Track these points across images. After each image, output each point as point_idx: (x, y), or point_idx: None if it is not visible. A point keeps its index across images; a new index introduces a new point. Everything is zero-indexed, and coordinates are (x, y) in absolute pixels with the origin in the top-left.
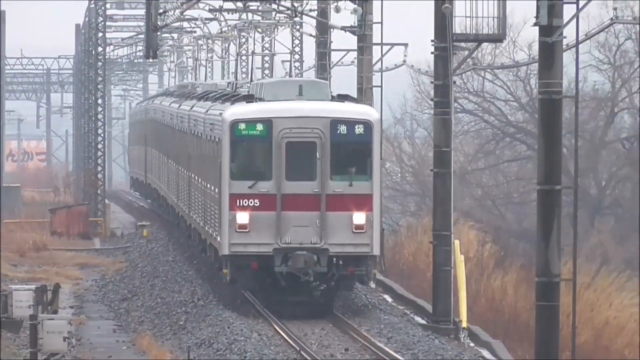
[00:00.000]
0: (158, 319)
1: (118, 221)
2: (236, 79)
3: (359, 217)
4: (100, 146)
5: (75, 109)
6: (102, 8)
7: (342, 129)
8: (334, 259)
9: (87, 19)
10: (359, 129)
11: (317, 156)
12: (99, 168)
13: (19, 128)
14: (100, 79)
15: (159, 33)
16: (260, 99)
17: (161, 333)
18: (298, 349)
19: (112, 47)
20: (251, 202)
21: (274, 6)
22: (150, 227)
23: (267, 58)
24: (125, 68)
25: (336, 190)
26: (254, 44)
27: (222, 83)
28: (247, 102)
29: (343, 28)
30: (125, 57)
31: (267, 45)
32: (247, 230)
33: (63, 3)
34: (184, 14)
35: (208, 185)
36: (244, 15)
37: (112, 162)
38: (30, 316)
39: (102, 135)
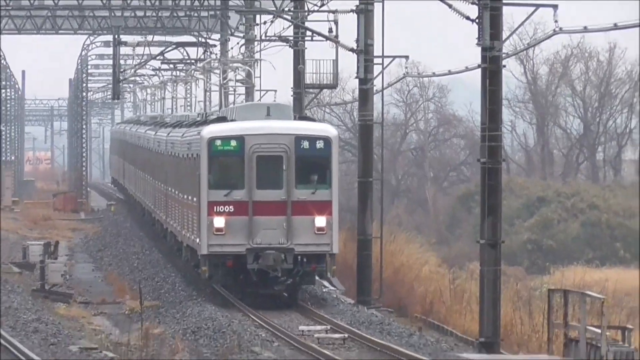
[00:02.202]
0: (120, 262)
1: (95, 202)
2: (205, 110)
3: (320, 221)
4: (84, 155)
5: (69, 131)
6: (86, 69)
7: (305, 144)
8: (299, 257)
9: (76, 75)
10: (320, 144)
11: (284, 168)
12: (84, 169)
13: (33, 143)
14: (84, 113)
15: (120, 83)
16: (233, 120)
17: (123, 272)
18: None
19: (91, 92)
20: (226, 209)
21: (193, 66)
22: (115, 205)
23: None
24: (100, 105)
25: (300, 198)
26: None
27: (193, 114)
28: (221, 123)
29: (236, 81)
30: (100, 98)
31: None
32: (223, 233)
33: (61, 62)
34: (137, 72)
35: (186, 196)
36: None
37: (92, 165)
38: (40, 261)
39: (85, 148)
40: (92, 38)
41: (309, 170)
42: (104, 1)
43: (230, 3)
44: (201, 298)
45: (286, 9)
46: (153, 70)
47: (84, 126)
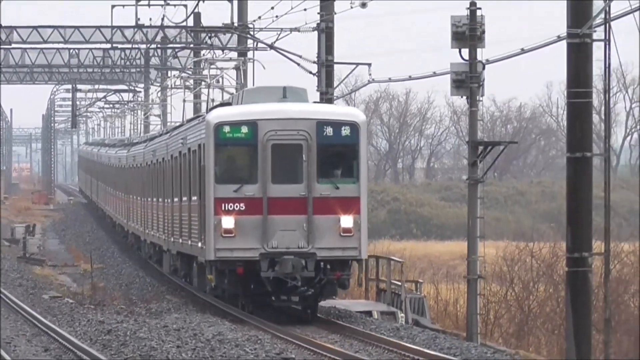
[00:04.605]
0: (77, 238)
1: (60, 197)
2: (182, 121)
3: (347, 221)
4: (52, 166)
5: (42, 150)
6: (53, 107)
7: (329, 130)
8: (321, 264)
9: (47, 111)
10: (345, 131)
11: (304, 159)
12: (52, 175)
13: (18, 158)
14: (52, 137)
15: (77, 117)
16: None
17: (79, 244)
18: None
19: (57, 123)
20: (237, 206)
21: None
22: (74, 200)
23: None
24: (63, 132)
25: (323, 194)
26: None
27: (171, 125)
28: (229, 107)
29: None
30: (63, 127)
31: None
32: (233, 235)
33: (37, 103)
34: (88, 109)
35: (177, 199)
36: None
37: (58, 173)
38: (23, 237)
39: (53, 161)
40: (57, 87)
41: (333, 162)
42: (66, 62)
43: (151, 63)
44: (132, 262)
45: (189, 66)
46: (99, 108)
47: (52, 146)
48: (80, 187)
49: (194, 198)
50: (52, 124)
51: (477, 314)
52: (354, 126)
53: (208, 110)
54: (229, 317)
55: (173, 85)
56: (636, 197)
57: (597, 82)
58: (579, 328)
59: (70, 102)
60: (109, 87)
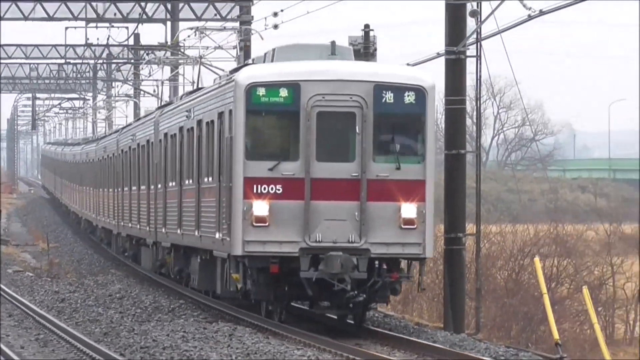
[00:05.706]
0: (37, 223)
1: (22, 188)
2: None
3: (409, 210)
4: (15, 162)
5: (7, 148)
6: (16, 112)
7: (389, 96)
8: (376, 262)
9: (11, 115)
10: (409, 97)
11: (357, 131)
12: (15, 170)
13: None
14: (15, 138)
15: (36, 121)
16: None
17: (38, 227)
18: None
19: (20, 126)
20: (272, 189)
21: (76, 110)
22: (35, 190)
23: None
24: (25, 133)
25: (380, 175)
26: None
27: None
28: (262, 65)
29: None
30: (25, 129)
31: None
32: (267, 224)
33: (2, 107)
34: (45, 114)
35: (171, 184)
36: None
37: (20, 168)
38: None
39: (16, 158)
40: (20, 95)
41: (393, 135)
42: (27, 74)
43: (98, 75)
44: (83, 242)
45: (130, 78)
46: (55, 113)
47: (15, 145)
48: (44, 185)
49: (208, 180)
50: (16, 127)
51: None
52: (420, 92)
53: (232, 70)
54: (261, 330)
55: (117, 94)
56: (501, 188)
57: (470, 91)
58: (455, 296)
59: (30, 108)
60: (63, 95)
